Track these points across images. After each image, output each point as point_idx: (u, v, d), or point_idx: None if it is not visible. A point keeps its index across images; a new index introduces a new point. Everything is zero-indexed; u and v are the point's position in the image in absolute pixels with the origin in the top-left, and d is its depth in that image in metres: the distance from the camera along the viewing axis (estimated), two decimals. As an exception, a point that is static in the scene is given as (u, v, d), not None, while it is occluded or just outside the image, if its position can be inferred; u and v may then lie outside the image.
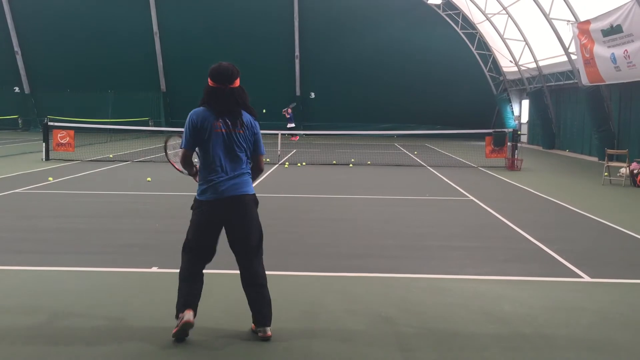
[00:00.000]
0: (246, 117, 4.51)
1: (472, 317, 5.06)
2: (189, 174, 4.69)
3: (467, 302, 5.45)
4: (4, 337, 4.46)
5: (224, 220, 4.51)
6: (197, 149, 4.53)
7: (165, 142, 5.44)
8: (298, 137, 29.98)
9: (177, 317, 4.44)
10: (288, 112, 30.32)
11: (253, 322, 4.59)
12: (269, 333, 4.51)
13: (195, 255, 4.55)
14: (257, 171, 4.68)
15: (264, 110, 28.75)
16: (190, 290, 4.51)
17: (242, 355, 4.26)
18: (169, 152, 5.30)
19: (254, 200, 4.57)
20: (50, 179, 13.46)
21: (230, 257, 4.71)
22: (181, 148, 4.56)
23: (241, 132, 4.47)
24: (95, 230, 8.33)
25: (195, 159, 4.65)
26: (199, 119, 4.43)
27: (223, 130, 4.42)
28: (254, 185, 4.66)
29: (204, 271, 4.63)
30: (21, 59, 36.21)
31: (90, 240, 7.73)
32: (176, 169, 5.10)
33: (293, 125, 30.39)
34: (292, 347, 4.39)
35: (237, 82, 4.50)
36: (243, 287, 4.61)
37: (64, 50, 35.17)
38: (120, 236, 8.00)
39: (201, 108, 4.49)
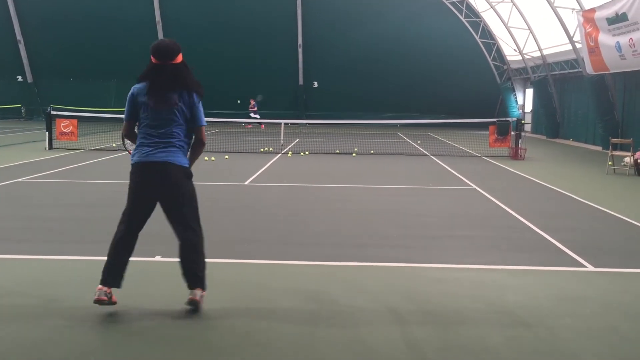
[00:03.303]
0: (181, 91, 4.63)
1: (476, 306, 5.06)
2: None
3: (471, 292, 5.45)
4: (9, 325, 4.48)
5: (156, 183, 4.66)
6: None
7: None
8: (251, 126, 31.54)
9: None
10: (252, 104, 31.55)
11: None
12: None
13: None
14: (198, 143, 4.81)
15: (238, 101, 30.85)
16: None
17: (249, 343, 4.27)
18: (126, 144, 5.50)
19: (182, 171, 4.67)
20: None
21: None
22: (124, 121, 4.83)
23: (176, 105, 4.61)
24: (98, 220, 8.34)
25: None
26: (137, 92, 4.68)
27: (156, 104, 4.59)
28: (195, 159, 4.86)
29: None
30: (24, 47, 36.14)
31: (94, 230, 7.74)
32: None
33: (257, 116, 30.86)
34: (297, 334, 4.39)
35: (179, 58, 4.70)
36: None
37: (66, 39, 35.09)
38: (123, 225, 8.00)
39: (142, 83, 4.70)
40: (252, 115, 30.47)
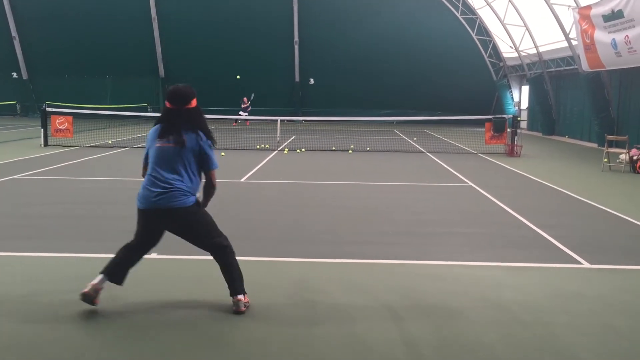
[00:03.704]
0: (191, 134, 4.64)
1: (472, 303, 5.06)
2: None
3: (467, 289, 5.45)
4: (5, 323, 4.47)
5: (161, 227, 4.74)
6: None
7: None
8: (247, 123, 32.02)
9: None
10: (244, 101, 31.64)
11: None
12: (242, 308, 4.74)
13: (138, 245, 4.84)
14: (208, 187, 4.82)
15: (238, 77, 32.26)
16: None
17: (246, 340, 4.26)
18: None
19: (185, 211, 4.63)
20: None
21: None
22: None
23: (182, 148, 4.61)
24: (94, 217, 8.32)
25: None
26: (150, 135, 4.77)
27: (164, 145, 4.63)
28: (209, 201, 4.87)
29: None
30: (19, 44, 36.01)
31: (90, 227, 7.72)
32: None
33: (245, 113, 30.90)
34: (294, 332, 4.40)
35: (194, 103, 4.74)
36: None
37: (62, 36, 34.99)
38: (119, 222, 7.99)
39: (156, 126, 4.79)
40: (240, 112, 30.54)
